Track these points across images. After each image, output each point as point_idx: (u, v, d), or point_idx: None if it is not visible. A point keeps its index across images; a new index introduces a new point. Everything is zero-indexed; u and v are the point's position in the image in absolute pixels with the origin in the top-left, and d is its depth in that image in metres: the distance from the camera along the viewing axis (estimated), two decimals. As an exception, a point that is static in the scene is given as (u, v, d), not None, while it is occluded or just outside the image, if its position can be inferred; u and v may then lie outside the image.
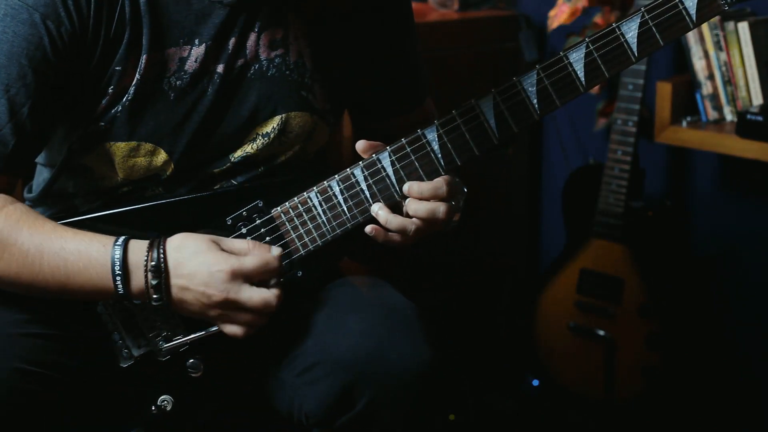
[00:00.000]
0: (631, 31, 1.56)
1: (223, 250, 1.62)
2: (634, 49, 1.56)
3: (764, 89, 2.73)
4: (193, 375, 1.71)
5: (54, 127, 1.72)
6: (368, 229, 1.68)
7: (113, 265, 1.58)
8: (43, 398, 1.60)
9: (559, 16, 2.97)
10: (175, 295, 1.60)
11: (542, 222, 3.60)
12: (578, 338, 3.07)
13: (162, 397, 1.71)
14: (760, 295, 3.07)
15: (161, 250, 1.60)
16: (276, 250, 1.66)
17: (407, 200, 1.69)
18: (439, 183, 1.69)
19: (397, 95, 1.88)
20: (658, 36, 1.57)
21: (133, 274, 1.59)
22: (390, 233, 1.69)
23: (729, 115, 2.80)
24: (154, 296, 1.59)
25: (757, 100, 2.73)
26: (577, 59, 1.57)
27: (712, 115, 2.81)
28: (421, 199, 1.68)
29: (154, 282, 1.59)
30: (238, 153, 1.76)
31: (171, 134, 1.71)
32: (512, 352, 3.36)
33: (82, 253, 1.59)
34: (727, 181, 3.11)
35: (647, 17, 1.56)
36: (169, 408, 1.71)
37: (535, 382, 3.22)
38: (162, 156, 1.72)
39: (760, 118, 2.62)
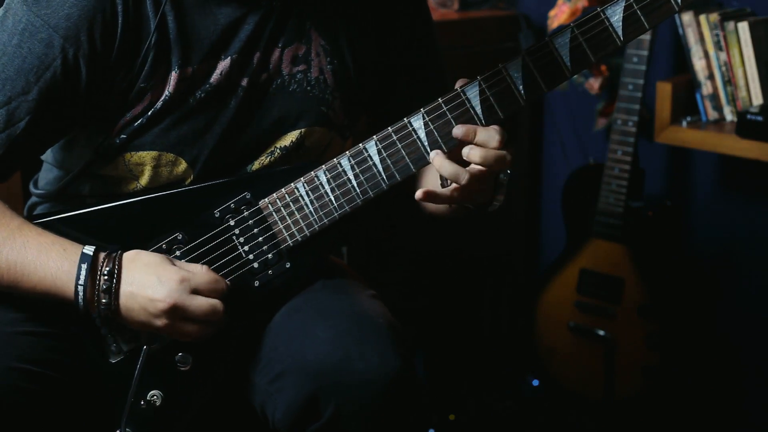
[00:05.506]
0: (616, 14, 1.57)
1: (175, 265, 1.64)
2: (620, 32, 1.56)
3: (764, 89, 2.72)
4: (181, 369, 1.70)
5: (51, 142, 1.74)
6: (418, 194, 1.63)
7: (78, 270, 1.59)
8: (40, 396, 1.60)
9: (559, 16, 2.98)
10: (123, 303, 1.61)
11: (542, 222, 3.60)
12: (578, 338, 3.07)
13: (151, 392, 1.70)
14: (760, 295, 3.05)
15: (117, 258, 1.62)
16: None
17: (466, 147, 1.62)
18: (494, 129, 1.63)
19: (426, 91, 1.85)
20: (643, 19, 1.57)
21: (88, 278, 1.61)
22: (439, 194, 1.65)
23: (729, 115, 2.79)
24: (103, 300, 1.60)
25: (757, 100, 2.73)
26: (562, 44, 1.57)
27: (712, 115, 2.81)
28: (474, 143, 1.62)
29: (105, 286, 1.60)
30: (256, 165, 1.77)
31: (192, 145, 1.73)
32: (512, 352, 3.36)
33: (41, 254, 1.61)
34: (727, 181, 3.09)
35: (632, 0, 1.56)
36: (158, 403, 1.70)
37: (535, 382, 3.22)
38: (183, 165, 1.74)
39: (760, 118, 2.61)
